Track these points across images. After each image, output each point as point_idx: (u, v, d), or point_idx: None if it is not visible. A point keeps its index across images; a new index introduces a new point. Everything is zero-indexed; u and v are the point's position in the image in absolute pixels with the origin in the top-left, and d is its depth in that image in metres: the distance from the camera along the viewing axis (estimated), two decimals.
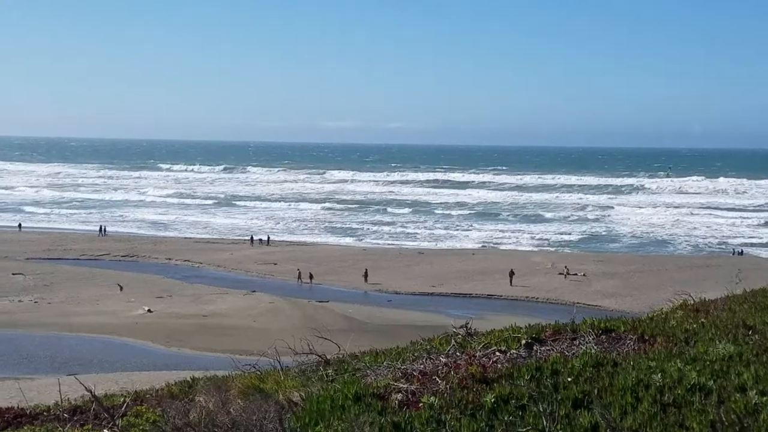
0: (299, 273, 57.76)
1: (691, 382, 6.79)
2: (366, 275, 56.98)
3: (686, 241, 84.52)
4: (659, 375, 6.98)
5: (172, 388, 11.26)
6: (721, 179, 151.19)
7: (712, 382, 6.82)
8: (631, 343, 8.64)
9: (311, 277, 57.44)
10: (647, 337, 8.81)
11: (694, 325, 9.27)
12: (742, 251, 74.40)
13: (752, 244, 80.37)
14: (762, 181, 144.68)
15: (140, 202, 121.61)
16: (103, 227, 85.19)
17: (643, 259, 68.88)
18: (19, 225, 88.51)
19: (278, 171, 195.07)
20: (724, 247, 78.96)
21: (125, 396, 11.01)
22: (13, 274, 56.75)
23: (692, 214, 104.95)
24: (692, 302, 11.34)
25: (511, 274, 55.13)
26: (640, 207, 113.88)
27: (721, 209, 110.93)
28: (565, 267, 58.69)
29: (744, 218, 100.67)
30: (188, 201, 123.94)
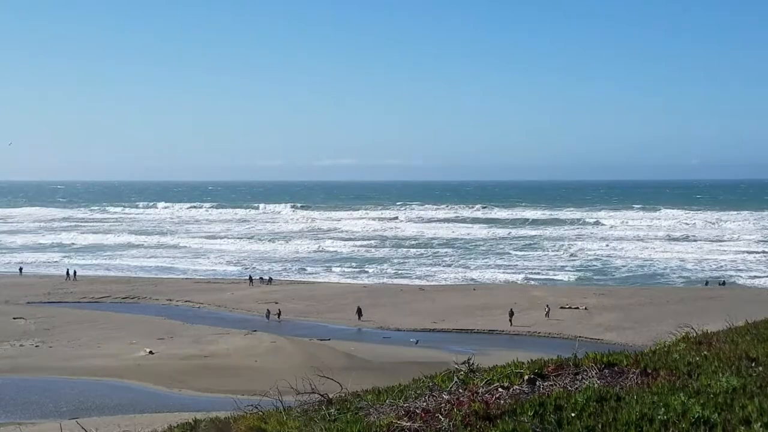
0: (268, 311, 58.62)
1: (695, 416, 6.76)
2: (359, 312, 57.00)
3: (677, 272, 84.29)
4: (663, 409, 6.96)
5: (174, 431, 11.21)
6: (716, 212, 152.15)
7: (716, 415, 6.79)
8: (634, 377, 8.61)
9: (279, 314, 58.34)
10: (650, 371, 8.78)
11: (697, 358, 9.25)
12: (723, 282, 74.35)
13: (731, 275, 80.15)
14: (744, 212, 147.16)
15: (114, 246, 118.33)
16: (69, 270, 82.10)
17: (644, 291, 68.73)
18: (20, 269, 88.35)
19: (276, 210, 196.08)
20: (712, 277, 78.63)
21: None
22: (15, 318, 56.62)
23: (682, 248, 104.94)
24: (694, 335, 11.31)
25: (511, 314, 53.93)
26: (630, 240, 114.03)
27: (708, 241, 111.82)
28: (546, 306, 56.49)
29: (725, 250, 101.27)
30: (185, 242, 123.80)
